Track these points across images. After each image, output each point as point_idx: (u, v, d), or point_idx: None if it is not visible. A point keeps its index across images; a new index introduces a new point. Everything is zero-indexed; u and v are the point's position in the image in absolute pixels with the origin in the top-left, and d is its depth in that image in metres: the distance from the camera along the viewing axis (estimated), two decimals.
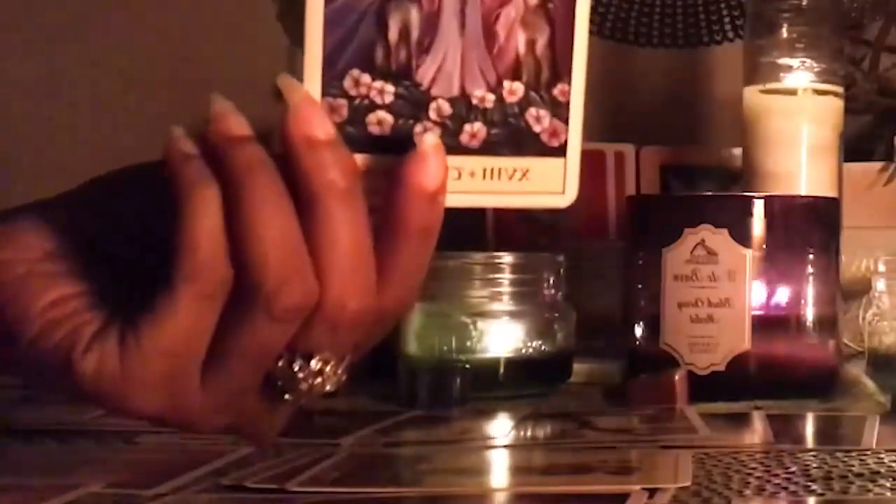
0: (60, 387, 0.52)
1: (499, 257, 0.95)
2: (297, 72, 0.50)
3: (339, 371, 0.52)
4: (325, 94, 0.49)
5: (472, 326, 0.94)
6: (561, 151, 0.52)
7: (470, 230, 1.10)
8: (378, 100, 0.50)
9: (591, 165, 1.19)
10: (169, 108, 1.29)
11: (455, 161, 0.51)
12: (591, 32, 0.52)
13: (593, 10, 1.19)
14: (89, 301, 0.52)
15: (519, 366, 0.94)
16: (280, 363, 0.51)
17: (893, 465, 0.66)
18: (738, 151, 1.12)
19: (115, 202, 0.55)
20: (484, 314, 0.94)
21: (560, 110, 0.52)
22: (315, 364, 0.51)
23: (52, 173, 1.23)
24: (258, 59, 1.25)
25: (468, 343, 0.93)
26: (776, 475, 0.64)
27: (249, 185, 0.48)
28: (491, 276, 0.95)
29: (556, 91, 0.52)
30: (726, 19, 1.32)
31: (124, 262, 0.53)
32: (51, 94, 1.32)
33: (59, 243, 0.53)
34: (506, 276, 0.95)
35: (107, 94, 1.31)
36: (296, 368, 0.51)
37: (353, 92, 0.50)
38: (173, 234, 0.49)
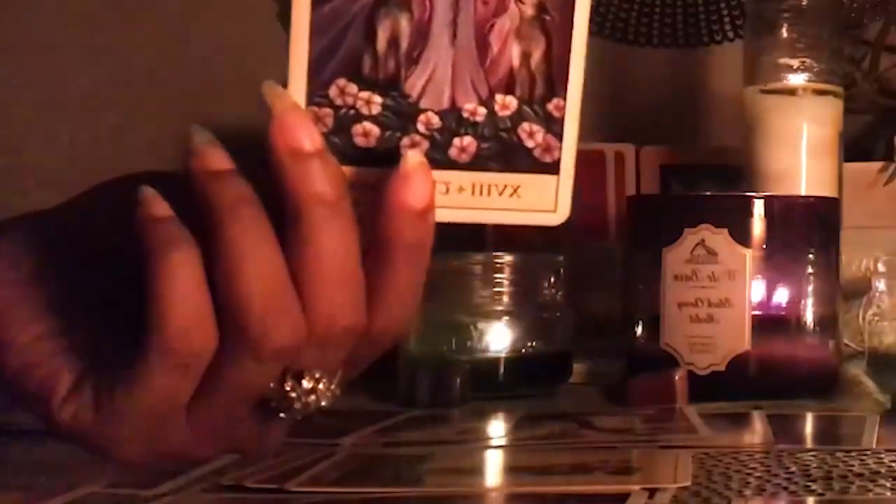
0: (42, 424, 0.52)
1: (499, 257, 0.95)
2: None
3: (333, 387, 0.51)
4: (309, 102, 0.48)
5: (472, 326, 0.94)
6: (554, 168, 0.50)
7: (470, 230, 1.10)
8: (364, 110, 0.48)
9: (591, 165, 1.19)
10: (168, 108, 1.29)
11: (443, 175, 0.49)
12: (591, 32, 0.50)
13: (593, 10, 1.19)
14: (67, 343, 0.51)
15: (519, 366, 0.94)
16: (271, 384, 0.50)
17: (893, 465, 0.66)
18: (738, 151, 1.12)
19: (103, 220, 0.53)
20: (484, 314, 0.94)
21: (554, 126, 0.50)
22: (307, 382, 0.50)
23: (50, 177, 1.23)
24: (258, 59, 1.25)
25: (468, 343, 0.93)
26: (776, 475, 0.64)
27: (231, 224, 0.47)
28: (491, 276, 0.95)
29: (550, 106, 0.50)
30: (726, 19, 1.32)
31: (110, 284, 0.52)
32: (49, 95, 1.32)
33: (45, 263, 0.52)
34: (506, 276, 0.95)
35: (105, 95, 1.31)
36: (287, 388, 0.50)
37: (338, 101, 0.48)
38: (145, 301, 0.47)
